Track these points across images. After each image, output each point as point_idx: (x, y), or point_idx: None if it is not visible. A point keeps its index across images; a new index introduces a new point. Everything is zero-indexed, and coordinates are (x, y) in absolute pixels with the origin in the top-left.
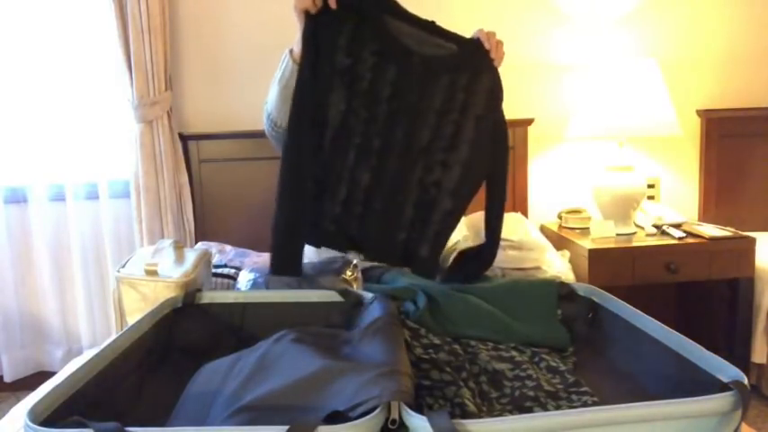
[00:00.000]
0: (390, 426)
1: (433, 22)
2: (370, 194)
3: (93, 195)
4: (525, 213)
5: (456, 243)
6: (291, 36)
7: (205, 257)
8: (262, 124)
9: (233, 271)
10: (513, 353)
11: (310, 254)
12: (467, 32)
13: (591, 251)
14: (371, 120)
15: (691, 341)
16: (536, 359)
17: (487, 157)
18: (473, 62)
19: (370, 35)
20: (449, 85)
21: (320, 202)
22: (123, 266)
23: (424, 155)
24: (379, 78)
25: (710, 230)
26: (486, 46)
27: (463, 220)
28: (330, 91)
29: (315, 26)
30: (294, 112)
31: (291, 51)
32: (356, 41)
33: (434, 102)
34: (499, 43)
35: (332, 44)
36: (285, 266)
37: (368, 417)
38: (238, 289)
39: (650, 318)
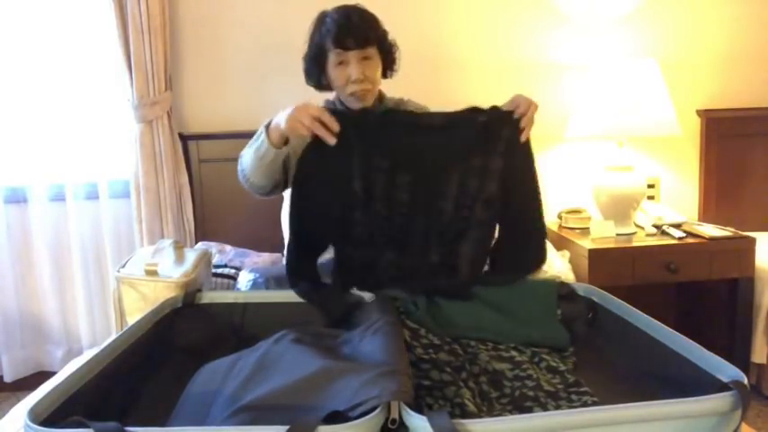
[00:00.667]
0: (390, 426)
1: (436, 113)
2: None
3: (93, 195)
4: None
5: None
6: (291, 36)
7: (205, 257)
8: (262, 124)
9: (233, 271)
10: (513, 353)
11: None
12: (466, 32)
13: (591, 251)
14: (393, 222)
15: (691, 341)
16: (536, 359)
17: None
18: (486, 137)
19: (379, 152)
20: (462, 173)
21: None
22: (123, 266)
23: (439, 237)
24: (394, 186)
25: (710, 230)
26: (516, 115)
27: None
28: (349, 207)
29: (323, 153)
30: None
31: (268, 129)
32: (368, 163)
33: (449, 196)
34: (531, 106)
35: (346, 171)
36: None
37: (368, 417)
38: (238, 289)
39: (650, 318)
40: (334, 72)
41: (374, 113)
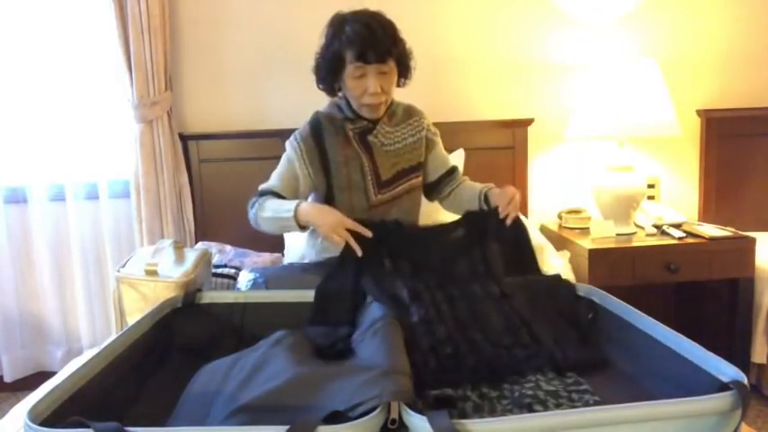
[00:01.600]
0: (390, 426)
1: (438, 225)
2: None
3: (93, 195)
4: (525, 213)
5: None
6: (291, 36)
7: (205, 257)
8: (261, 124)
9: (233, 271)
10: None
11: (310, 254)
12: (466, 31)
13: (591, 251)
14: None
15: (691, 341)
16: None
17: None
18: (479, 236)
19: (400, 257)
20: (468, 265)
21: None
22: (123, 266)
23: (489, 300)
24: (417, 281)
25: (710, 230)
26: (500, 211)
27: None
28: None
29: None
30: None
31: (297, 213)
32: (393, 264)
33: (461, 279)
34: (513, 200)
35: (374, 264)
36: None
37: (368, 417)
38: (238, 289)
39: (650, 318)
40: (351, 83)
41: (395, 227)
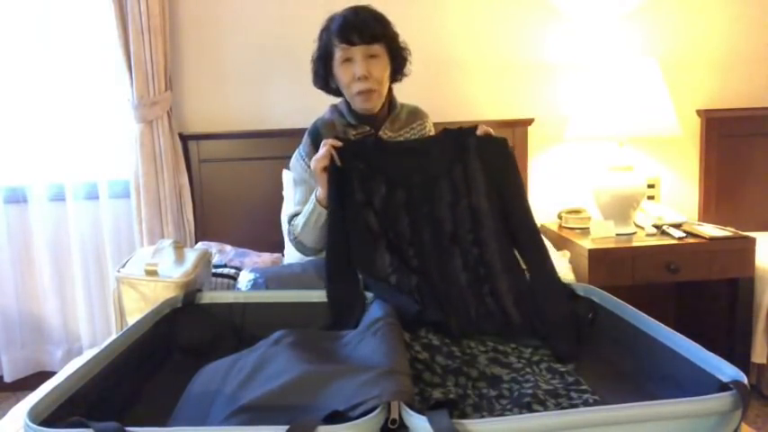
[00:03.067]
0: (390, 426)
1: (417, 139)
2: (422, 289)
3: (93, 195)
4: None
5: None
6: (291, 36)
7: (205, 257)
8: (261, 124)
9: (233, 271)
10: (512, 359)
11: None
12: (466, 32)
13: (591, 251)
14: (399, 232)
15: (691, 341)
16: (535, 358)
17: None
18: (459, 148)
19: (376, 173)
20: (449, 182)
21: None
22: (123, 266)
23: (456, 241)
24: (392, 202)
25: (710, 230)
26: (479, 128)
27: None
28: (360, 218)
29: (336, 178)
30: (331, 237)
31: (317, 197)
32: (366, 181)
33: (443, 201)
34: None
35: (350, 188)
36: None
37: (368, 417)
38: (238, 289)
39: (650, 318)
40: (339, 70)
41: (374, 142)
